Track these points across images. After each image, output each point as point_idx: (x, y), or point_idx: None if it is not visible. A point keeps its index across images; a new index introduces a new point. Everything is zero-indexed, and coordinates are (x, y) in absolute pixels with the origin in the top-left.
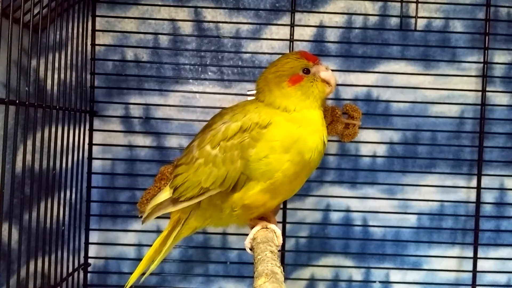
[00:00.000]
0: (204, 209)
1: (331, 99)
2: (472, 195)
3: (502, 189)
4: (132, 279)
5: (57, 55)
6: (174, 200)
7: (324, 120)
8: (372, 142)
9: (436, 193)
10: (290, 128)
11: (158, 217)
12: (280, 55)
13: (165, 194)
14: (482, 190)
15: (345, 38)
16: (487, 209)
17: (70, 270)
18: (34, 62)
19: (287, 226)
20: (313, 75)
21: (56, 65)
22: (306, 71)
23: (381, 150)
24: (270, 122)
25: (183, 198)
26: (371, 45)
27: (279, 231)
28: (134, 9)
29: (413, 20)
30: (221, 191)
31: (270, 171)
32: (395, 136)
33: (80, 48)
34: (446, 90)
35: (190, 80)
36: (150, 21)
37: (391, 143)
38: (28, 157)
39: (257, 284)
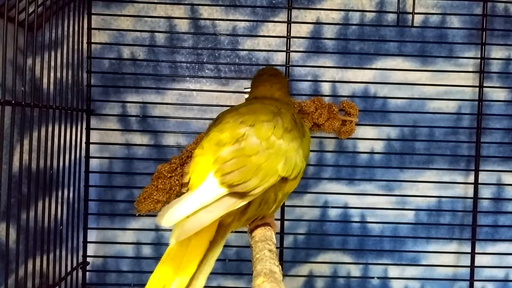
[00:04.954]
0: (257, 203)
1: (328, 96)
2: (470, 191)
3: (499, 184)
4: None
5: (53, 53)
6: (237, 195)
7: None
8: (369, 139)
9: (433, 189)
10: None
11: (155, 216)
12: (277, 53)
13: (206, 195)
14: (479, 185)
15: (342, 35)
16: (484, 204)
17: (69, 269)
18: (29, 61)
19: (286, 223)
20: None
21: (52, 64)
22: None
23: (379, 146)
24: (302, 120)
25: (259, 189)
26: (368, 42)
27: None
28: (130, 6)
29: (410, 16)
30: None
31: (307, 161)
32: (393, 132)
33: (76, 47)
34: (443, 86)
35: (187, 78)
36: (146, 19)
37: (388, 139)
38: (25, 156)
39: (256, 284)
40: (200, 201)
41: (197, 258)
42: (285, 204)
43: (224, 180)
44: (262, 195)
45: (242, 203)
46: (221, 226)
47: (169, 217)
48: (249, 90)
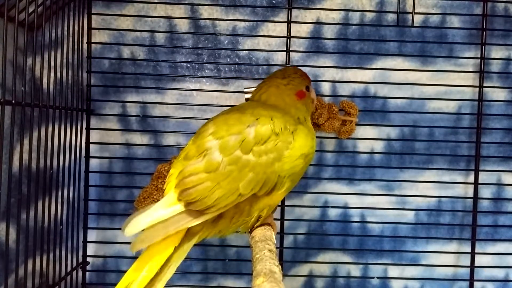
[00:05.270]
0: (229, 217)
1: (328, 96)
2: (470, 191)
3: (499, 184)
4: None
5: (53, 53)
6: (194, 213)
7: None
8: (369, 139)
9: (433, 189)
10: (308, 136)
11: None
12: (277, 52)
13: (164, 210)
14: (479, 185)
15: (342, 35)
16: (484, 204)
17: (69, 269)
18: (29, 61)
19: (285, 223)
20: (310, 94)
21: (52, 63)
22: (307, 89)
23: (379, 146)
24: (296, 128)
25: (214, 208)
26: (368, 42)
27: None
28: (130, 6)
29: (410, 16)
30: (254, 195)
31: (295, 173)
32: (393, 132)
33: (76, 47)
34: (443, 86)
35: (187, 78)
36: (146, 18)
37: (388, 139)
38: (25, 156)
39: (256, 284)
40: (157, 215)
41: (159, 262)
42: (285, 204)
43: (181, 196)
44: (234, 209)
45: (197, 221)
46: (189, 233)
47: (131, 227)
48: (249, 90)
